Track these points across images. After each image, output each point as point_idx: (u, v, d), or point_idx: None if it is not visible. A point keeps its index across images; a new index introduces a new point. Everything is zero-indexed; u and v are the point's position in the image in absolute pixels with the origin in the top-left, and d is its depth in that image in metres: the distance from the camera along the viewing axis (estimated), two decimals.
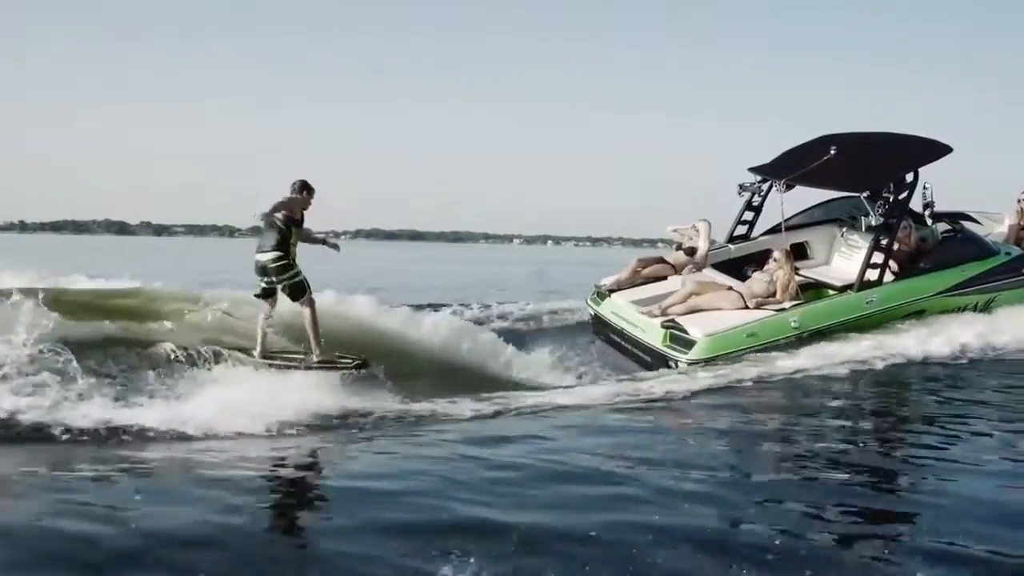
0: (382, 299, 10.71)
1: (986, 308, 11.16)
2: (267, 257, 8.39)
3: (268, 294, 8.57)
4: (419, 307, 12.17)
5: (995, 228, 12.47)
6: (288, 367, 8.50)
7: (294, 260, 8.48)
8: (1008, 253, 11.46)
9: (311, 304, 8.55)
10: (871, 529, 4.70)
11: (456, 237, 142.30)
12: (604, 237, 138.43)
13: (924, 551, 4.27)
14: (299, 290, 8.49)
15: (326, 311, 9.02)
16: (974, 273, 11.04)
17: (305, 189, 8.64)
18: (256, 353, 8.64)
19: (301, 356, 8.69)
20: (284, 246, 8.40)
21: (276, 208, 8.41)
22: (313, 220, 8.88)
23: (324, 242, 9.24)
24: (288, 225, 8.42)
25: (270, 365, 8.50)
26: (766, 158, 11.87)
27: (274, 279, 8.45)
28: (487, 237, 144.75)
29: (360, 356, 8.60)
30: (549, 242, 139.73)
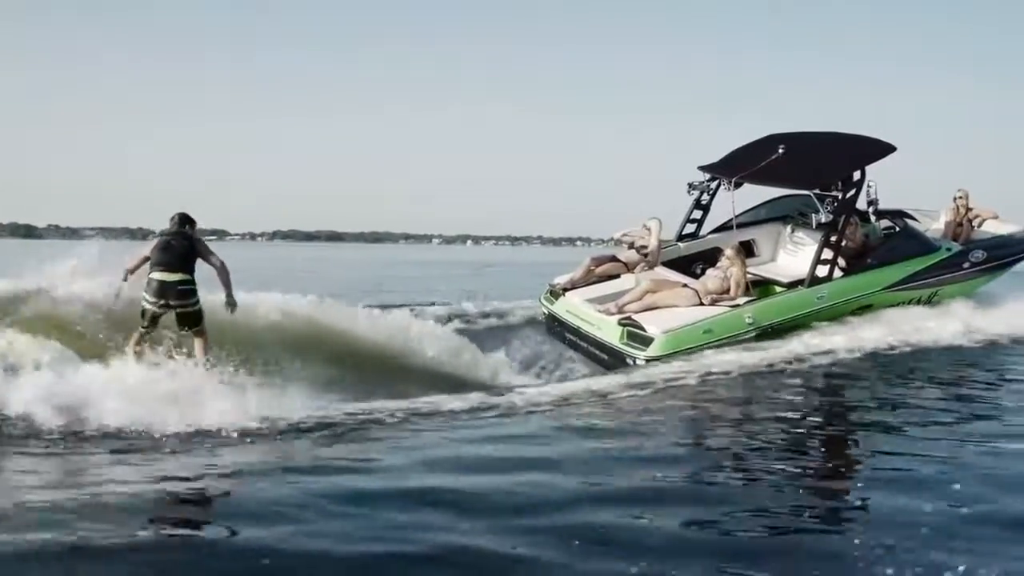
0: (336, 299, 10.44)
1: (930, 302, 11.50)
2: (174, 278, 7.75)
3: (156, 319, 7.83)
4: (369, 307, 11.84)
5: (932, 225, 12.89)
6: None
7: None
8: (949, 249, 11.84)
9: (206, 334, 7.97)
10: (826, 525, 4.78)
11: (376, 237, 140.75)
12: (524, 236, 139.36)
13: (878, 544, 4.32)
14: (199, 318, 7.92)
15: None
16: (918, 268, 11.37)
17: (188, 223, 8.14)
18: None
19: None
20: (191, 269, 7.83)
21: (183, 236, 7.91)
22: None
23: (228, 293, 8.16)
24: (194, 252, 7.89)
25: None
26: (693, 161, 12.11)
27: (173, 303, 7.76)
28: (407, 237, 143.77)
29: None
30: (468, 242, 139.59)
